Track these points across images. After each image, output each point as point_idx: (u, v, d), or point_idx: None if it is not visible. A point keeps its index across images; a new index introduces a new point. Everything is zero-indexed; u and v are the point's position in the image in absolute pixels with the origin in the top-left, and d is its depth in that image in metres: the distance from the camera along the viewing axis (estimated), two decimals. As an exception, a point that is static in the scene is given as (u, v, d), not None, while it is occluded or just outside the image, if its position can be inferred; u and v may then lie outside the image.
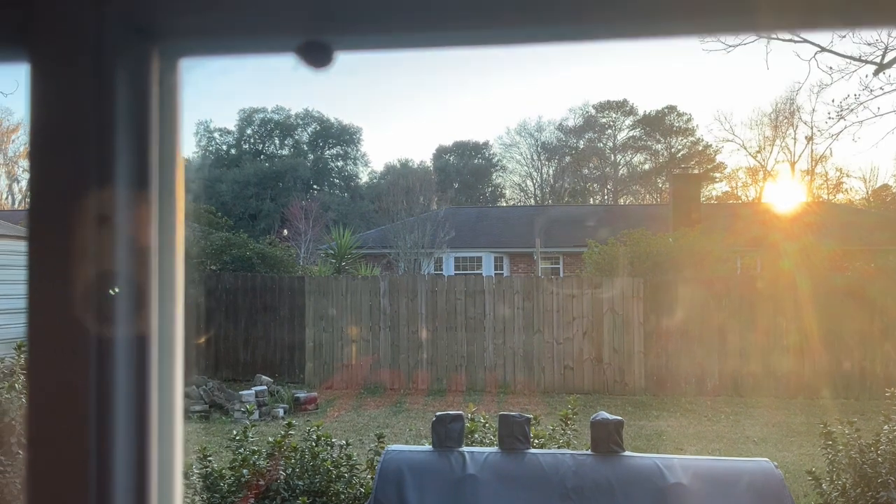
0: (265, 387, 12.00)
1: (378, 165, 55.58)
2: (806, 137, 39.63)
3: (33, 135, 0.66)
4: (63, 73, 0.65)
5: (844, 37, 12.09)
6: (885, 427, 5.44)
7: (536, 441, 4.90)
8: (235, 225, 27.59)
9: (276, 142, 51.25)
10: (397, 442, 9.08)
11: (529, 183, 52.59)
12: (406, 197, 25.55)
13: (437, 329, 13.78)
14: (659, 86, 58.99)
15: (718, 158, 47.53)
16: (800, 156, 42.23)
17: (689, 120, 49.09)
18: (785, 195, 41.75)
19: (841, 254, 16.96)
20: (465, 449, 3.41)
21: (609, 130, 51.05)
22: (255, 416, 10.40)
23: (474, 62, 58.30)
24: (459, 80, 60.17)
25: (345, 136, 50.81)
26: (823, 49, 12.14)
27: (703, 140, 48.21)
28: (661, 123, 49.38)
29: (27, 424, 0.64)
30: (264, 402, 11.47)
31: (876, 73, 13.35)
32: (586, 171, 51.92)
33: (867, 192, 39.93)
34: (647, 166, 50.88)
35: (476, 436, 5.00)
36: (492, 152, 53.05)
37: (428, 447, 3.54)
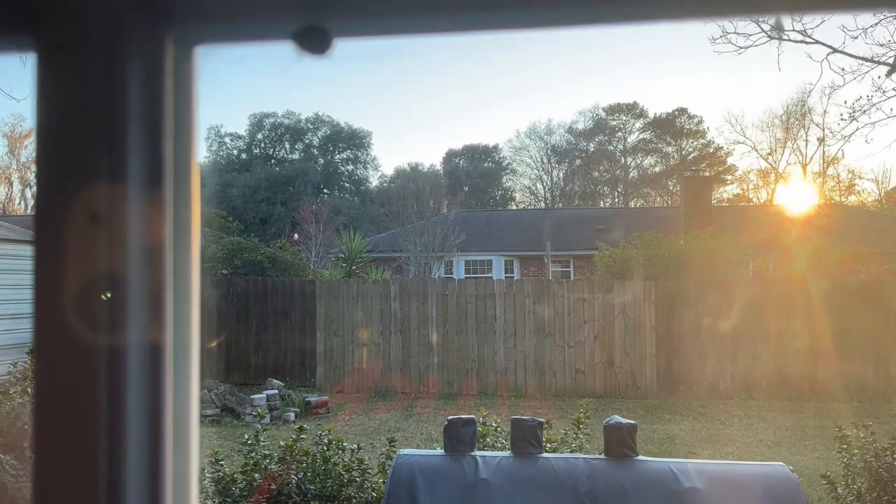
0: (276, 391, 12.01)
1: (388, 169, 55.63)
2: (818, 139, 39.46)
3: (40, 128, 0.63)
4: (72, 62, 0.62)
5: (857, 38, 12.02)
6: (901, 431, 5.38)
7: (549, 445, 4.88)
8: (246, 229, 27.68)
9: (287, 146, 51.41)
10: (408, 446, 9.07)
11: (539, 186, 52.57)
12: (416, 200, 25.53)
13: (447, 333, 13.76)
14: (669, 88, 58.92)
15: (729, 161, 47.40)
16: (811, 158, 42.05)
17: (699, 122, 48.98)
18: (796, 197, 41.57)
19: (853, 256, 16.85)
20: (477, 453, 3.39)
21: (619, 133, 50.98)
22: (267, 420, 10.41)
23: (483, 65, 58.32)
24: (468, 83, 60.19)
25: (355, 141, 50.91)
26: (835, 50, 12.08)
27: (713, 142, 48.10)
28: (671, 126, 49.25)
29: (34, 433, 0.62)
30: (275, 406, 11.48)
31: (888, 74, 13.27)
32: (596, 173, 51.84)
33: (880, 194, 39.68)
34: (657, 169, 50.76)
35: (488, 440, 4.99)
36: (502, 155, 53.08)
37: (440, 451, 3.52)
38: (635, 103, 50.14)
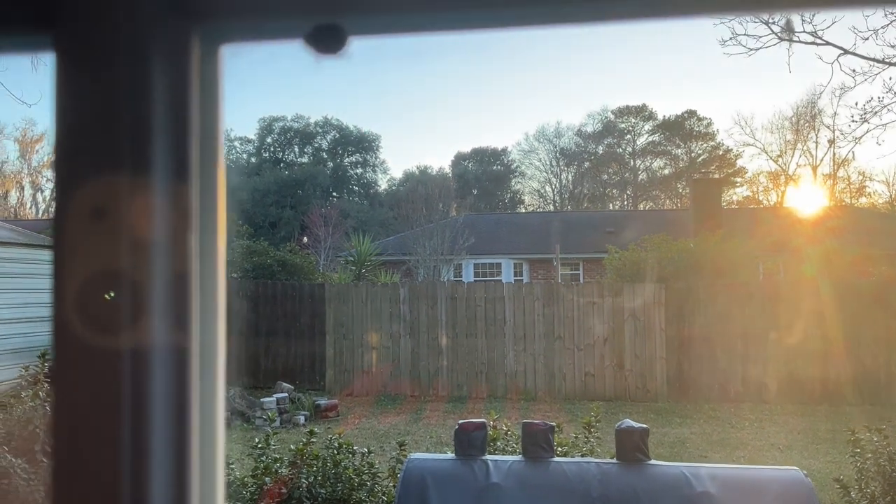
0: (286, 394, 12.02)
1: (397, 172, 55.69)
2: (828, 141, 39.29)
3: (59, 129, 0.61)
4: (94, 61, 0.61)
5: (868, 39, 11.95)
6: (915, 434, 5.34)
7: (559, 449, 4.86)
8: (256, 233, 27.72)
9: (296, 150, 51.53)
10: (418, 449, 9.06)
11: (548, 189, 52.53)
12: (425, 204, 25.53)
13: (456, 336, 13.75)
14: (678, 90, 58.77)
15: (739, 163, 47.22)
16: (821, 159, 41.87)
17: (709, 124, 48.84)
18: (807, 199, 41.39)
19: (864, 258, 16.74)
20: (488, 457, 3.38)
21: (628, 135, 50.89)
22: (277, 423, 10.41)
23: (491, 68, 58.31)
24: (476, 86, 60.20)
25: (364, 144, 50.97)
26: (846, 51, 12.01)
27: (723, 144, 47.94)
28: (680, 128, 49.14)
29: (52, 441, 0.61)
30: (285, 409, 11.49)
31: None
32: (605, 176, 51.76)
33: (891, 196, 39.50)
34: (666, 171, 50.64)
35: (498, 444, 4.97)
36: (510, 158, 53.05)
37: (451, 455, 3.51)
38: (644, 105, 50.07)
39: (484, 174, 51.79)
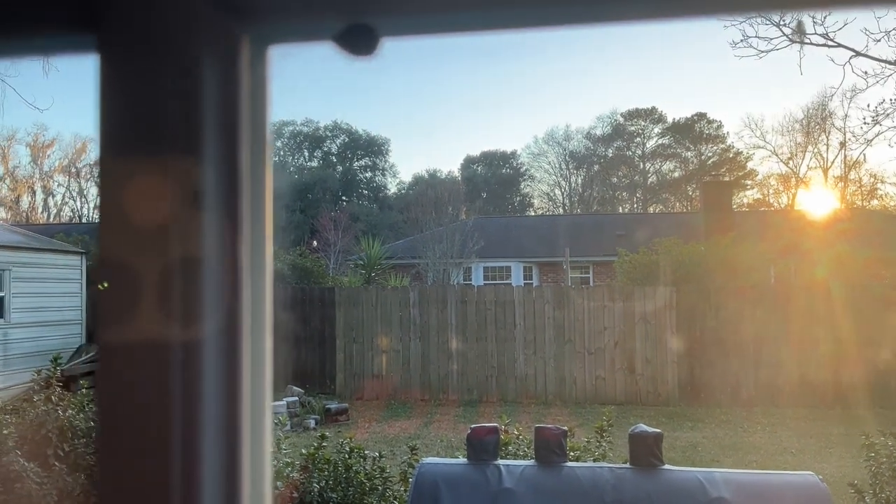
0: (297, 398, 12.03)
1: (406, 176, 55.83)
2: (839, 143, 39.12)
3: (104, 133, 0.60)
4: (140, 62, 0.59)
5: (879, 41, 11.90)
6: (930, 439, 5.30)
7: (571, 454, 4.84)
8: (265, 236, 27.66)
9: (306, 154, 51.66)
10: (429, 453, 9.04)
11: (558, 192, 52.47)
12: (434, 207, 25.55)
13: (467, 339, 13.74)
14: (688, 93, 58.64)
15: (749, 165, 47.08)
16: (832, 162, 41.68)
17: (719, 127, 48.72)
18: (818, 202, 41.21)
19: (876, 261, 16.64)
20: (500, 462, 3.37)
21: (638, 138, 50.80)
22: (287, 427, 10.42)
23: (500, 71, 58.28)
24: (486, 89, 60.21)
25: (373, 148, 51.08)
26: (858, 53, 11.96)
27: (733, 147, 47.81)
28: (690, 131, 49.03)
29: (98, 439, 0.60)
30: (296, 413, 11.50)
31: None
32: (615, 179, 51.68)
33: (902, 198, 39.23)
34: (676, 174, 50.53)
35: (510, 448, 4.95)
36: (519, 162, 53.05)
37: (463, 460, 3.50)
38: (654, 108, 49.99)
39: (493, 177, 51.80)
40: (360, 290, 14.92)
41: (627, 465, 3.24)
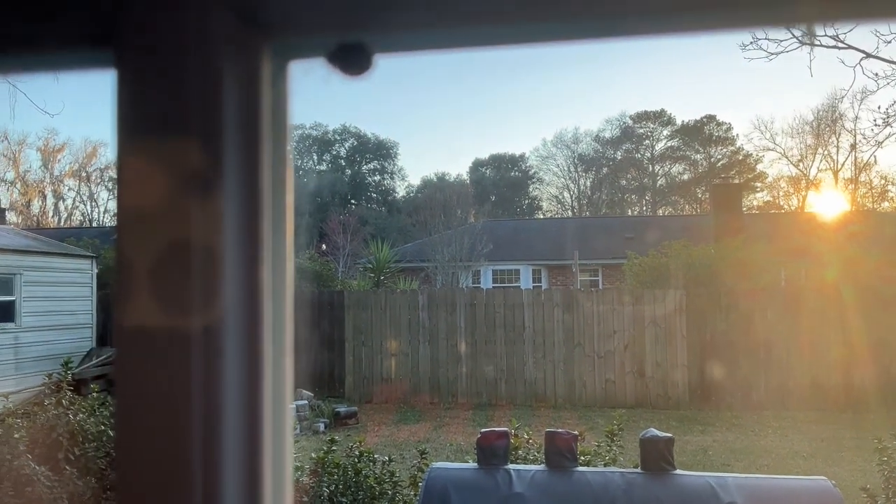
0: (306, 401, 12.04)
1: (415, 179, 55.83)
2: (850, 145, 38.96)
3: (122, 148, 0.59)
4: (160, 77, 0.58)
5: (890, 42, 11.83)
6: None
7: (581, 458, 4.83)
8: (274, 240, 27.71)
9: (315, 158, 51.77)
10: (438, 457, 9.03)
11: (566, 195, 52.43)
12: (443, 210, 25.56)
13: (476, 343, 13.73)
14: (697, 95, 58.49)
15: (759, 168, 46.94)
16: (843, 164, 41.50)
17: (728, 129, 48.59)
18: (828, 204, 41.04)
19: (887, 263, 16.53)
20: (511, 467, 3.36)
21: (647, 141, 50.72)
22: (297, 431, 10.43)
23: (508, 74, 58.33)
24: (494, 92, 60.23)
25: (381, 151, 51.17)
26: (869, 55, 11.90)
27: (743, 149, 47.67)
28: (699, 133, 48.92)
29: (118, 434, 0.60)
30: (305, 416, 11.50)
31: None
32: (624, 182, 51.59)
33: (914, 200, 39.03)
34: (685, 177, 50.41)
35: (520, 452, 4.94)
36: (528, 164, 53.04)
37: (473, 465, 3.49)
38: (663, 111, 49.90)
39: (502, 180, 51.79)
40: (368, 294, 14.93)
41: (638, 470, 3.23)
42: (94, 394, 6.43)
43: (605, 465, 4.80)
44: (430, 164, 72.74)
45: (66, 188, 46.18)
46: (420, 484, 3.95)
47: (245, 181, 0.61)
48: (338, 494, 4.98)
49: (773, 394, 12.63)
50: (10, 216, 36.44)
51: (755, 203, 45.64)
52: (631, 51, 61.57)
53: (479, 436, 3.48)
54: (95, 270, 15.97)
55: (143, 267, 0.59)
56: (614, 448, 5.21)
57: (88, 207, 46.97)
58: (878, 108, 30.30)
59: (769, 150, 47.20)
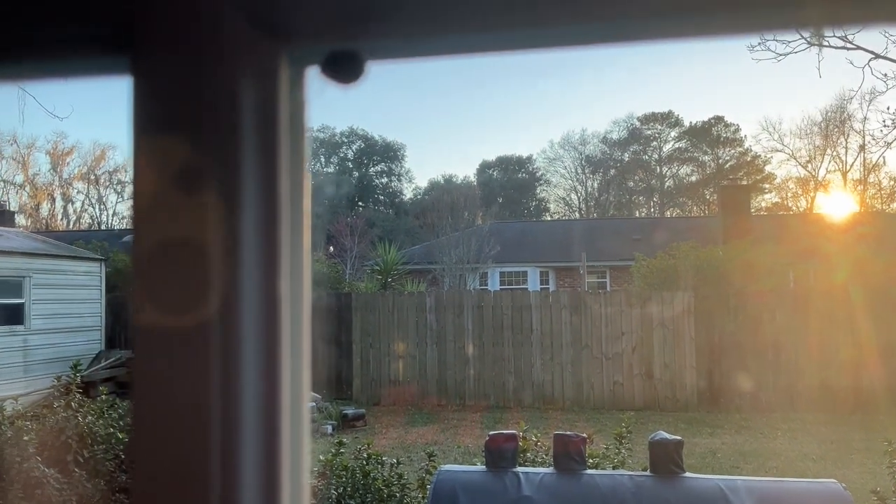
0: (314, 403, 12.05)
1: (422, 181, 55.79)
2: (859, 146, 38.82)
3: (139, 155, 0.59)
4: (176, 83, 0.58)
5: (899, 42, 11.78)
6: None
7: (590, 461, 4.81)
8: (282, 242, 27.75)
9: (322, 160, 51.83)
10: (445, 460, 9.02)
11: (574, 196, 52.36)
12: (450, 212, 25.56)
13: (483, 345, 13.71)
14: (705, 96, 58.34)
15: (767, 169, 46.78)
16: (852, 165, 41.35)
17: (736, 130, 48.44)
18: (837, 205, 40.89)
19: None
20: (519, 469, 3.35)
21: (654, 142, 50.61)
22: (304, 433, 10.42)
23: (515, 76, 58.28)
24: (501, 94, 60.20)
25: (389, 153, 51.20)
26: (878, 56, 11.86)
27: (751, 150, 47.53)
28: (707, 134, 48.79)
29: (133, 447, 0.59)
30: (313, 418, 11.51)
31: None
32: (631, 183, 51.50)
33: (923, 201, 38.84)
34: (693, 178, 50.29)
35: (528, 455, 4.93)
36: (535, 166, 52.97)
37: (481, 467, 3.49)
38: (670, 112, 49.77)
39: (509, 182, 51.75)
40: (376, 296, 14.94)
41: (648, 473, 3.22)
42: (103, 396, 6.44)
43: (613, 468, 4.78)
44: (437, 167, 72.81)
45: (75, 191, 46.39)
46: (428, 486, 3.94)
47: (263, 186, 0.60)
48: (346, 497, 4.98)
49: (782, 396, 12.58)
50: (20, 219, 36.60)
51: (763, 204, 45.51)
52: (638, 52, 61.45)
53: (487, 438, 3.48)
54: (104, 273, 16.02)
55: (161, 270, 0.59)
56: (623, 451, 5.19)
57: (97, 210, 47.17)
58: (888, 108, 30.22)
59: (777, 151, 47.04)
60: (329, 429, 11.15)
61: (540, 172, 52.95)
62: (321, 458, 5.33)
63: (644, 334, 13.12)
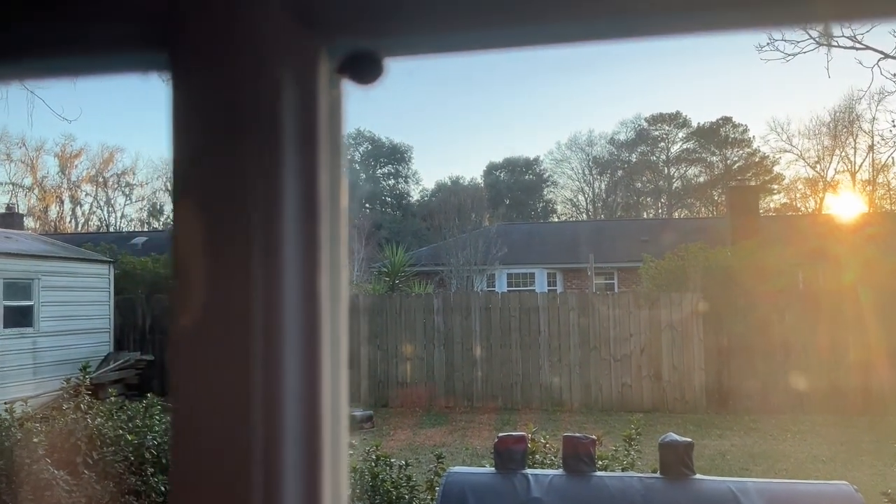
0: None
1: (429, 183, 55.85)
2: (867, 146, 38.68)
3: (178, 152, 0.59)
4: (216, 80, 0.58)
5: (908, 42, 11.73)
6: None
7: (599, 463, 4.80)
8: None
9: (329, 162, 51.87)
10: (454, 461, 9.02)
11: (581, 198, 52.28)
12: (457, 214, 25.56)
13: (491, 346, 13.70)
14: (712, 97, 58.22)
15: (776, 169, 46.65)
16: (860, 165, 41.20)
17: (744, 131, 48.30)
18: (846, 206, 40.74)
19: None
20: (528, 471, 3.34)
21: (662, 143, 50.50)
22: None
23: (522, 77, 58.32)
24: (508, 96, 60.20)
25: (396, 155, 51.25)
26: (887, 56, 11.80)
27: (759, 151, 47.39)
28: (715, 135, 48.67)
29: (173, 453, 0.59)
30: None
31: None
32: (639, 184, 51.40)
33: (933, 202, 38.67)
34: (701, 179, 50.17)
35: (537, 457, 4.92)
36: (542, 168, 52.93)
37: (490, 469, 3.48)
38: (678, 113, 49.66)
39: (516, 184, 51.71)
40: (383, 298, 14.94)
41: (658, 475, 3.20)
42: (112, 398, 6.47)
43: (622, 470, 4.77)
44: (444, 168, 72.96)
45: (83, 194, 46.57)
46: (437, 488, 3.94)
47: (303, 183, 0.60)
48: (354, 499, 4.98)
49: (791, 397, 12.52)
50: (28, 221, 36.78)
51: (772, 205, 45.40)
52: (645, 52, 61.45)
53: (496, 440, 3.48)
54: (112, 275, 16.07)
55: (202, 273, 0.58)
56: (632, 452, 5.17)
57: (105, 213, 47.35)
58: (896, 108, 29.99)
59: (786, 151, 46.90)
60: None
61: (547, 174, 52.95)
62: (330, 459, 5.32)
63: (652, 336, 13.09)
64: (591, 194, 51.90)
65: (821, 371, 12.45)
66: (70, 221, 45.34)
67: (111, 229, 42.98)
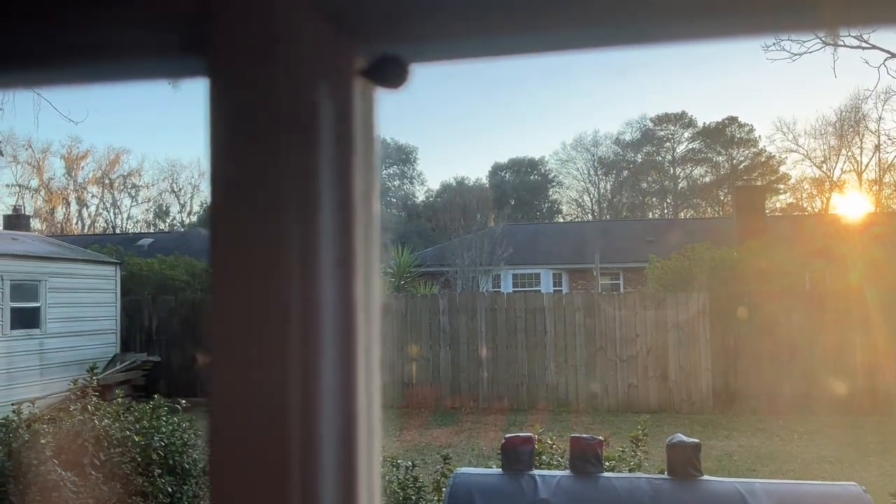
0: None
1: (434, 184, 55.82)
2: (874, 146, 38.57)
3: (215, 157, 0.59)
4: (253, 86, 0.58)
5: (914, 41, 11.69)
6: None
7: (606, 464, 4.79)
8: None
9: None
10: (460, 462, 9.01)
11: (586, 198, 52.21)
12: (463, 214, 25.54)
13: (497, 347, 13.70)
14: (718, 97, 58.11)
15: (782, 169, 46.54)
16: (867, 165, 41.08)
17: (750, 131, 48.19)
18: (852, 206, 40.63)
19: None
20: (535, 472, 3.34)
21: (668, 143, 50.41)
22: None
23: (527, 78, 58.27)
24: (513, 96, 60.18)
25: (401, 156, 51.27)
26: (894, 55, 11.76)
27: (765, 151, 47.28)
28: (721, 135, 48.57)
29: (211, 453, 0.59)
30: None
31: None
32: (645, 185, 51.32)
33: (940, 201, 38.53)
34: (707, 179, 50.07)
35: (544, 458, 4.91)
36: (548, 168, 52.86)
37: (497, 470, 3.48)
38: (684, 113, 49.56)
39: (521, 184, 51.67)
40: (389, 299, 14.94)
41: (665, 476, 3.20)
42: (119, 399, 6.48)
43: (629, 471, 4.76)
44: (449, 169, 72.91)
45: (90, 195, 46.70)
46: (444, 489, 3.94)
47: (339, 189, 0.60)
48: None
49: (798, 398, 12.49)
50: (35, 223, 36.88)
51: (778, 205, 45.29)
52: (651, 52, 61.30)
53: (503, 441, 3.47)
54: (119, 277, 16.11)
55: (239, 274, 0.59)
56: (639, 453, 5.16)
57: (111, 214, 47.48)
58: (903, 108, 29.88)
59: (792, 151, 46.78)
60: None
61: (552, 174, 52.89)
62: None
63: (658, 336, 13.07)
64: (596, 195, 51.85)
65: (827, 371, 12.41)
66: (76, 223, 45.50)
67: (117, 231, 43.11)
